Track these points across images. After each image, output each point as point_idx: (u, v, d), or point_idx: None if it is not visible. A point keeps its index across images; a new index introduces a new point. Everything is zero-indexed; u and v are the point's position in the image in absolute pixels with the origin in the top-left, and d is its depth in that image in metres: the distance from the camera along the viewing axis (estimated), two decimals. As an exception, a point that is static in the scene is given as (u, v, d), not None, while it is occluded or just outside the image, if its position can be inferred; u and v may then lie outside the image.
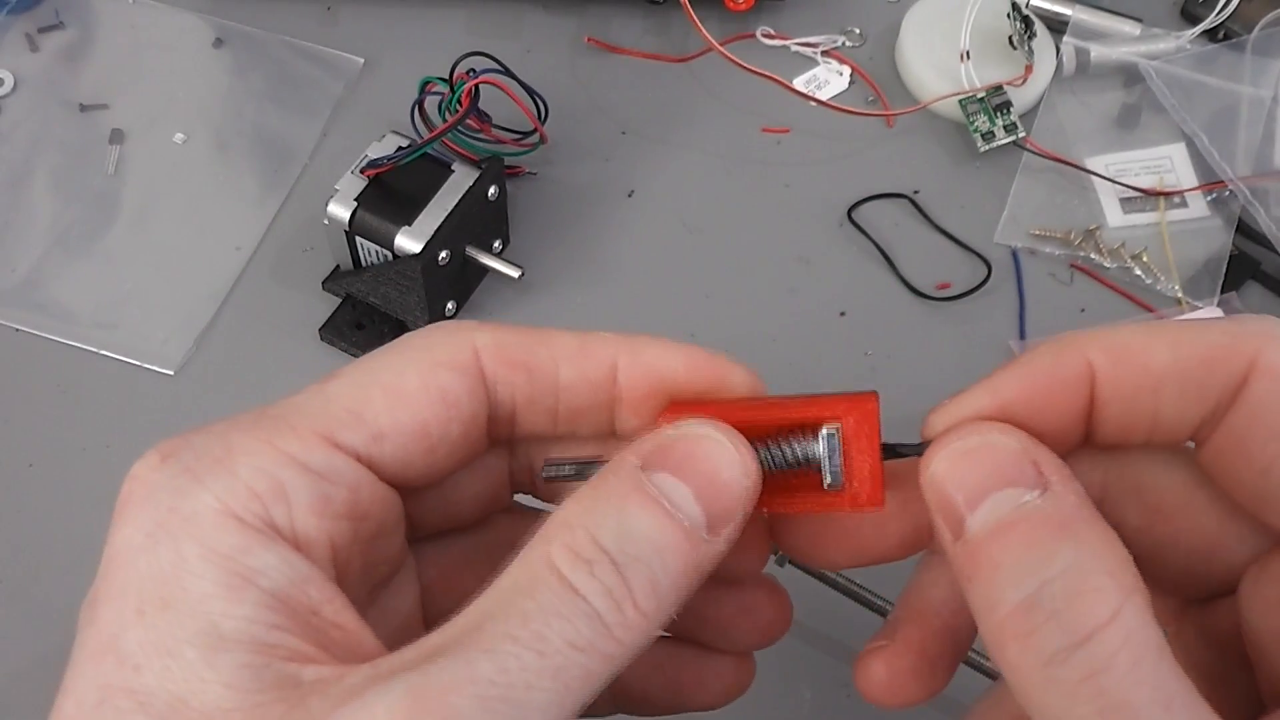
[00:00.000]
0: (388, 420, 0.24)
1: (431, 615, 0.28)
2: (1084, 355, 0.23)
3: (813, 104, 0.65)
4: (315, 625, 0.22)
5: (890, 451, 0.25)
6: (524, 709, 0.20)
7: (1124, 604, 0.20)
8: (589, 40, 0.67)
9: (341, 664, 0.21)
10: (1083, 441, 0.25)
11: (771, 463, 0.25)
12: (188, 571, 0.22)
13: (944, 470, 0.23)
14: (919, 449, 0.25)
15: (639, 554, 0.21)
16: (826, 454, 0.24)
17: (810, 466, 0.24)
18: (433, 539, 0.29)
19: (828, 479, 0.24)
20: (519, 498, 0.30)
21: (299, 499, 0.23)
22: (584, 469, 0.26)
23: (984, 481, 0.22)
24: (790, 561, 0.47)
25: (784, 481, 0.25)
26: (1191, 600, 0.27)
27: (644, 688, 0.29)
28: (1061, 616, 0.20)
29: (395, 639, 0.23)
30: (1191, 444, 0.25)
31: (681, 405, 0.26)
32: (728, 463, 0.23)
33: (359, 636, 0.23)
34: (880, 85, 0.66)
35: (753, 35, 0.68)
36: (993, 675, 0.45)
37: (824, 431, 0.24)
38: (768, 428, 0.25)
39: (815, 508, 0.25)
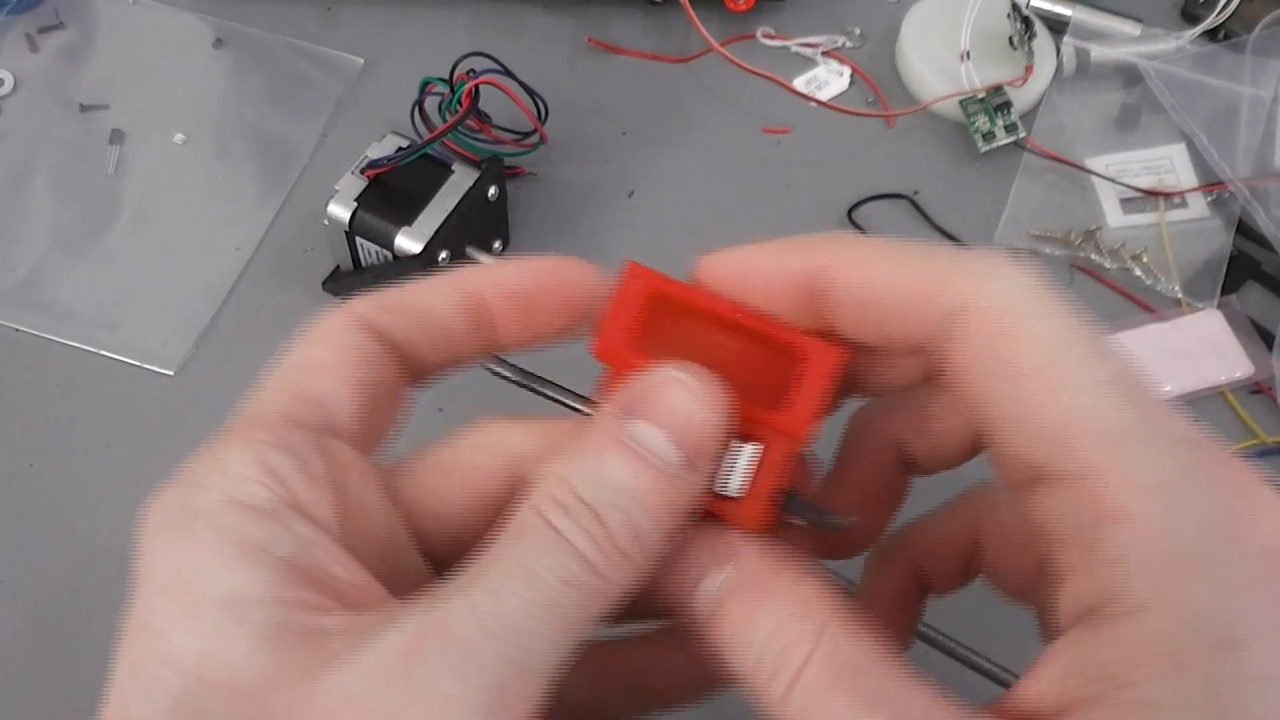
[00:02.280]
0: (325, 389, 0.27)
1: None
2: (819, 253, 0.25)
3: (813, 104, 0.65)
4: (329, 583, 0.24)
5: (791, 501, 0.26)
6: (524, 636, 0.22)
7: (818, 641, 0.23)
8: (589, 40, 0.67)
9: (357, 613, 0.23)
10: (824, 328, 0.26)
11: None
12: (204, 551, 0.23)
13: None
14: (808, 513, 0.27)
15: (615, 500, 0.23)
16: (741, 464, 0.25)
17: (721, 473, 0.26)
18: None
19: (733, 485, 0.25)
20: None
21: (287, 474, 0.24)
22: (525, 378, 0.28)
23: (690, 574, 0.25)
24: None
25: None
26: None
27: (600, 691, 0.30)
28: (777, 672, 0.23)
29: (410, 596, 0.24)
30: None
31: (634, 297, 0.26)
32: (699, 402, 0.25)
33: (372, 591, 0.24)
34: (880, 85, 0.66)
35: (753, 36, 0.68)
36: (976, 666, 0.44)
37: (748, 446, 0.25)
38: None
39: (709, 508, 0.26)
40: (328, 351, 0.27)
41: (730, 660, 0.24)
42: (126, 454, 0.53)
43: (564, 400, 0.28)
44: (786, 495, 0.26)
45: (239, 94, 0.64)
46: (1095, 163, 0.62)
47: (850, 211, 0.61)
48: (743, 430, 0.25)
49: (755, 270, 0.26)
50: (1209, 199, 0.61)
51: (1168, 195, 0.61)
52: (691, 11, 0.61)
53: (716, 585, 0.25)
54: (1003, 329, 0.23)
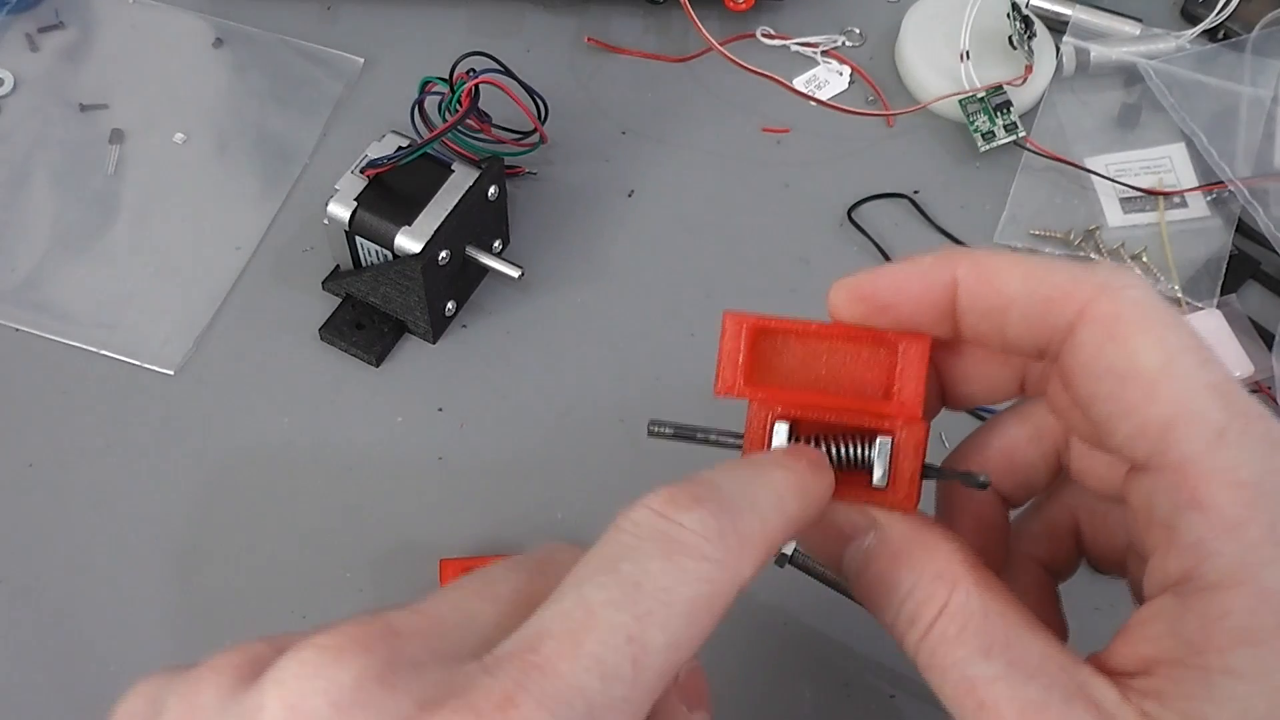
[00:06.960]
0: None
1: None
2: (953, 266, 0.27)
3: (813, 104, 0.65)
4: None
5: (928, 470, 0.29)
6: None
7: (951, 595, 0.26)
8: (589, 40, 0.67)
9: None
10: (953, 336, 0.29)
11: (833, 459, 0.29)
12: None
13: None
14: (948, 475, 0.30)
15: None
16: (879, 459, 0.29)
17: (862, 465, 0.29)
18: None
19: (877, 478, 0.29)
20: None
21: None
22: (680, 430, 0.30)
23: (837, 540, 0.29)
24: (790, 562, 0.47)
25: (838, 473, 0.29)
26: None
27: None
28: (915, 622, 0.27)
29: None
30: None
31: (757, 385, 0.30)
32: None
33: None
34: (880, 85, 0.66)
35: (753, 35, 0.68)
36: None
37: (879, 440, 0.29)
38: (832, 426, 0.29)
39: (858, 498, 0.29)
40: None
41: (874, 611, 0.28)
42: (126, 454, 0.53)
43: (723, 441, 0.30)
44: (925, 468, 0.29)
45: (239, 94, 0.64)
46: (1095, 162, 0.62)
47: (850, 211, 0.61)
48: (871, 425, 0.29)
49: (897, 287, 0.28)
50: (1209, 198, 0.61)
51: (1167, 195, 0.61)
52: (691, 11, 0.61)
53: (861, 549, 0.28)
54: (1113, 335, 0.25)
